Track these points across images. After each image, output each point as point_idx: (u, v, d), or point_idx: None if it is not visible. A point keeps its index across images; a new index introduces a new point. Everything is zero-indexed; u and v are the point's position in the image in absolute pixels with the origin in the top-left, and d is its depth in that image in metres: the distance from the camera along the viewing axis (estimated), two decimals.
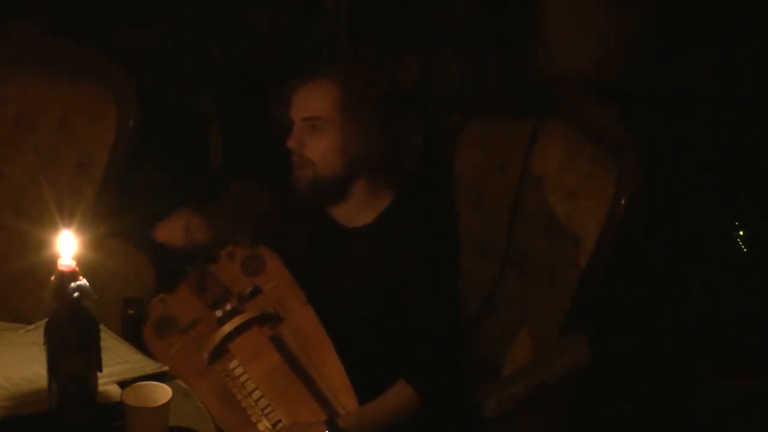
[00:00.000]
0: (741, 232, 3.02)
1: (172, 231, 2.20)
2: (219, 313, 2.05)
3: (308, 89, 2.08)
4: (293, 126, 2.08)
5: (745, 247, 3.01)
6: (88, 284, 1.59)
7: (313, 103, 2.06)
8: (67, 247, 1.59)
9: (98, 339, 1.62)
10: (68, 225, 1.70)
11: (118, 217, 2.46)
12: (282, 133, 2.13)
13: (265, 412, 1.90)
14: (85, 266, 1.62)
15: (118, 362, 1.86)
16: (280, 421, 1.89)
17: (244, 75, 4.02)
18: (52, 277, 1.59)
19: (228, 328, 1.99)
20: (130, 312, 2.11)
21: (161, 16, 4.00)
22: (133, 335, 2.06)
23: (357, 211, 2.10)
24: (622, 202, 2.17)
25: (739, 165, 3.39)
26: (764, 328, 2.95)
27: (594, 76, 3.00)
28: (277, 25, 4.00)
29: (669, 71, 3.44)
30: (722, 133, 3.41)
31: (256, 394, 1.92)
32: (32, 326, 1.99)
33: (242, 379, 1.95)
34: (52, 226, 2.06)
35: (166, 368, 1.88)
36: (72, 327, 1.58)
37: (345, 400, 1.90)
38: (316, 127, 2.05)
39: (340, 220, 2.13)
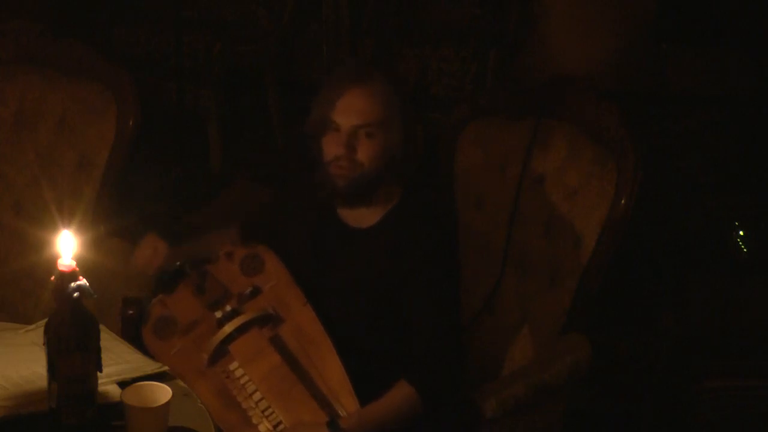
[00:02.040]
0: (741, 232, 3.02)
1: (142, 258, 2.17)
2: (219, 314, 2.04)
3: (361, 95, 2.03)
4: (341, 130, 2.02)
5: (745, 247, 3.01)
6: (88, 284, 1.59)
7: (367, 109, 2.02)
8: (67, 247, 1.59)
9: (98, 339, 1.62)
10: (68, 225, 1.69)
11: (118, 217, 2.46)
12: (309, 131, 2.09)
13: (266, 413, 1.90)
14: (85, 266, 1.62)
15: (118, 362, 1.85)
16: (281, 422, 1.88)
17: (244, 74, 4.02)
18: (52, 277, 1.59)
19: (228, 329, 1.99)
20: (130, 312, 2.10)
21: (161, 16, 4.00)
22: (133, 335, 2.06)
23: (368, 212, 2.09)
24: (622, 202, 2.16)
25: (739, 165, 3.39)
26: (764, 328, 2.95)
27: (594, 76, 3.00)
28: (277, 25, 4.01)
29: (669, 71, 3.45)
30: (723, 133, 3.41)
31: (257, 396, 1.92)
32: (32, 326, 1.98)
33: (243, 380, 1.94)
34: (52, 226, 2.06)
35: (166, 368, 1.88)
36: (72, 327, 1.58)
37: (345, 400, 1.90)
38: (368, 133, 2.02)
39: (347, 220, 2.12)
